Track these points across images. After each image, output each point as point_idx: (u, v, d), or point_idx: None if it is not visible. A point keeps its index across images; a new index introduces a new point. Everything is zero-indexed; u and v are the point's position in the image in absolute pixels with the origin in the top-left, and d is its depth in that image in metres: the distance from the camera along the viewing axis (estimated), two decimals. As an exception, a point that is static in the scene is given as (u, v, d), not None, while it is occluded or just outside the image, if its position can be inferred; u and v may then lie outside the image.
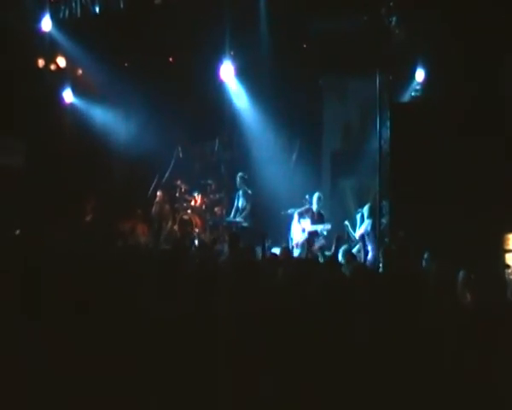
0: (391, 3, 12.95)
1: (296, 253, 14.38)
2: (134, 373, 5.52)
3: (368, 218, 13.85)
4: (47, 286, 6.69)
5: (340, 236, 13.53)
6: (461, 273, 8.72)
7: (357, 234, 13.97)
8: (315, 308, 6.02)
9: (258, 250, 11.60)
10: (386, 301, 6.18)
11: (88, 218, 17.00)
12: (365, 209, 13.86)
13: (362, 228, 13.92)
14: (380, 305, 6.11)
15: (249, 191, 16.51)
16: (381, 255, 12.17)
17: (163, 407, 5.42)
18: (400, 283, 7.03)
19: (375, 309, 6.06)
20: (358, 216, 14.87)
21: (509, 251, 12.00)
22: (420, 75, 13.83)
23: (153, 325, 5.91)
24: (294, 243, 15.02)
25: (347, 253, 11.78)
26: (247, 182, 16.50)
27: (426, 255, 10.37)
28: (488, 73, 12.43)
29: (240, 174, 16.55)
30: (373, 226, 13.64)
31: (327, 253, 13.64)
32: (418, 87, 14.02)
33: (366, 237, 13.71)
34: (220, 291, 6.49)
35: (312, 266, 8.63)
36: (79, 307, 6.32)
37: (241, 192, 16.55)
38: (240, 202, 16.57)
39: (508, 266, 10.75)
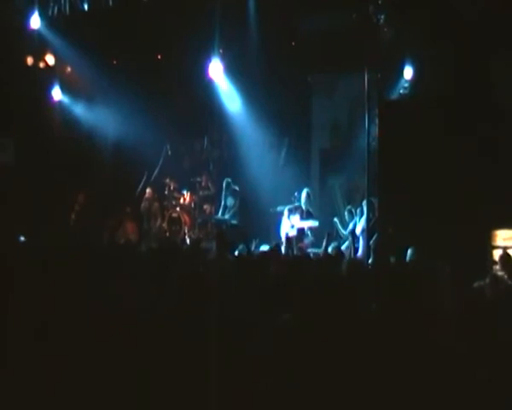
0: (379, 1, 12.99)
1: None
2: (124, 371, 5.54)
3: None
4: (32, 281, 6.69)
5: (330, 233, 13.60)
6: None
7: (358, 229, 13.97)
8: (310, 305, 6.02)
9: (243, 249, 11.60)
10: (381, 296, 6.21)
11: (76, 214, 17.00)
12: (364, 204, 13.75)
13: (361, 223, 13.91)
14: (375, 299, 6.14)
15: (236, 188, 16.59)
16: (371, 252, 12.26)
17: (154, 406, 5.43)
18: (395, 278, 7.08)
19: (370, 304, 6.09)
20: (347, 213, 14.98)
21: (497, 247, 12.07)
22: (408, 73, 13.83)
23: (141, 322, 5.91)
24: (284, 238, 15.08)
25: (336, 250, 11.87)
26: (233, 190, 16.64)
27: (409, 252, 10.41)
28: (477, 70, 12.49)
29: (226, 180, 16.66)
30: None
31: (314, 250, 13.75)
32: (406, 85, 14.03)
33: (361, 234, 13.72)
34: (210, 289, 6.48)
35: (305, 263, 8.64)
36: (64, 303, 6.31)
37: (228, 191, 16.64)
38: (228, 201, 16.63)
39: (495, 263, 10.81)
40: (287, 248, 13.62)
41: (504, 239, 12.49)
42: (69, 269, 7.07)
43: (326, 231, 13.74)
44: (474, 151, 12.42)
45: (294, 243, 14.70)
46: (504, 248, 11.19)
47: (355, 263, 9.24)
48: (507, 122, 12.42)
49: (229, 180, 16.65)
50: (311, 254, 12.47)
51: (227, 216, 16.55)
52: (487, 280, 8.47)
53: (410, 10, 12.72)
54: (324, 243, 12.87)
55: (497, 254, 11.26)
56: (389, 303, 5.90)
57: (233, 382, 5.27)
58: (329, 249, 12.51)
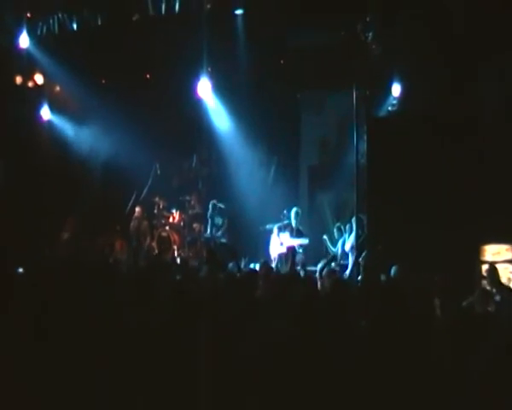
0: (367, 19, 13.07)
1: (274, 265, 14.42)
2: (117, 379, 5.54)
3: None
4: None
5: (333, 258, 13.77)
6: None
7: (347, 246, 13.98)
8: (295, 323, 6.04)
9: (233, 267, 11.63)
10: (368, 315, 6.22)
11: (66, 234, 16.95)
12: (353, 221, 13.73)
13: (350, 240, 13.91)
14: (361, 317, 6.16)
15: (222, 206, 16.60)
16: (361, 269, 12.27)
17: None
18: (380, 295, 7.09)
19: (357, 322, 6.11)
20: (336, 230, 14.98)
21: (486, 262, 12.09)
22: (396, 90, 13.90)
23: (132, 338, 5.90)
24: (272, 256, 15.09)
25: (327, 268, 11.89)
26: (220, 210, 16.63)
27: (394, 269, 10.42)
28: (464, 87, 12.57)
29: (212, 202, 16.66)
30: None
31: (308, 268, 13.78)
32: (394, 102, 14.10)
33: (350, 250, 13.73)
34: (201, 308, 6.48)
35: (292, 282, 8.65)
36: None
37: (215, 212, 16.66)
38: (216, 220, 16.64)
39: (484, 277, 10.84)
40: (291, 264, 13.76)
41: (493, 254, 12.53)
42: (63, 286, 7.08)
43: (330, 256, 14.09)
44: (461, 167, 12.49)
45: (284, 260, 14.74)
46: (491, 263, 11.24)
47: (340, 281, 9.27)
48: (494, 137, 12.48)
49: (215, 202, 16.68)
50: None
51: (216, 235, 16.55)
52: (476, 295, 8.51)
53: (397, 28, 12.80)
54: (321, 265, 12.94)
55: (485, 268, 11.30)
56: (379, 320, 5.93)
57: (223, 394, 5.28)
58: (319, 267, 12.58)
